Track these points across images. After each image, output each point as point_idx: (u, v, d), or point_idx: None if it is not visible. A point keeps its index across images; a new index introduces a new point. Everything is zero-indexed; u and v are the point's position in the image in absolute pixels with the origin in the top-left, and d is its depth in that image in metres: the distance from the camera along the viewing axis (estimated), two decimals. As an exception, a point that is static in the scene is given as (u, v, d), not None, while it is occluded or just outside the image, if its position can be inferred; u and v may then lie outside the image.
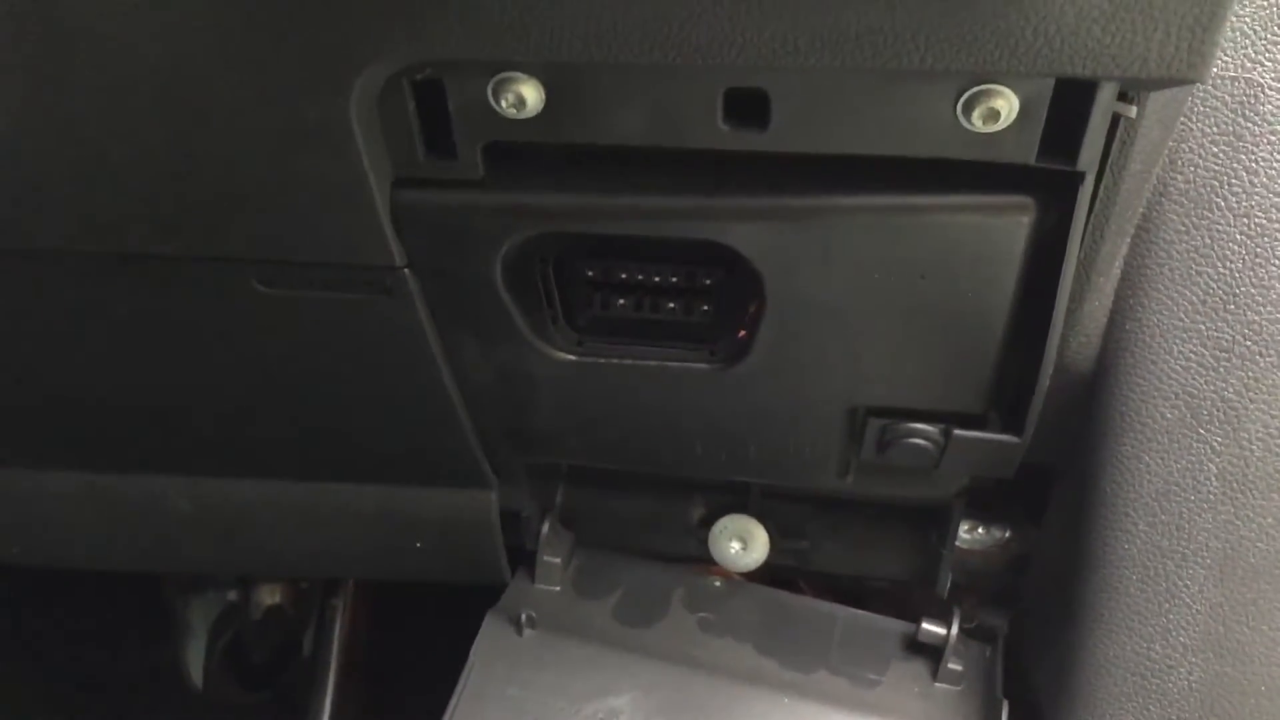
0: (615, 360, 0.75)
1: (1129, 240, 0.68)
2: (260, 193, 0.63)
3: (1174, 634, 0.73)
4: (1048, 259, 0.63)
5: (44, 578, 1.36)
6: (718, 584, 0.97)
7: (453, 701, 0.86)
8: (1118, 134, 0.60)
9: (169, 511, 0.94)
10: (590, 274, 0.73)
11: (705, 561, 0.96)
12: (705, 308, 0.73)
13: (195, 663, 1.49)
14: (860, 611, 0.95)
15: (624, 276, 0.72)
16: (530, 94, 0.58)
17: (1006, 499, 0.90)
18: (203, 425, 0.85)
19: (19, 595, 1.43)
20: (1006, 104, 0.55)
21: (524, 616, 0.90)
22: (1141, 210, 0.67)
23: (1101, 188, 0.63)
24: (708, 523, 0.94)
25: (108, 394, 0.82)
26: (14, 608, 1.45)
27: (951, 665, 0.88)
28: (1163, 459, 0.71)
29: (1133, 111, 0.59)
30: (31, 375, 0.81)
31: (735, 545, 0.93)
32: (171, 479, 0.93)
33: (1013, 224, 0.62)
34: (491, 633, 0.91)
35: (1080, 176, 0.59)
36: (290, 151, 0.60)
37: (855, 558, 0.95)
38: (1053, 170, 0.59)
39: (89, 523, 0.96)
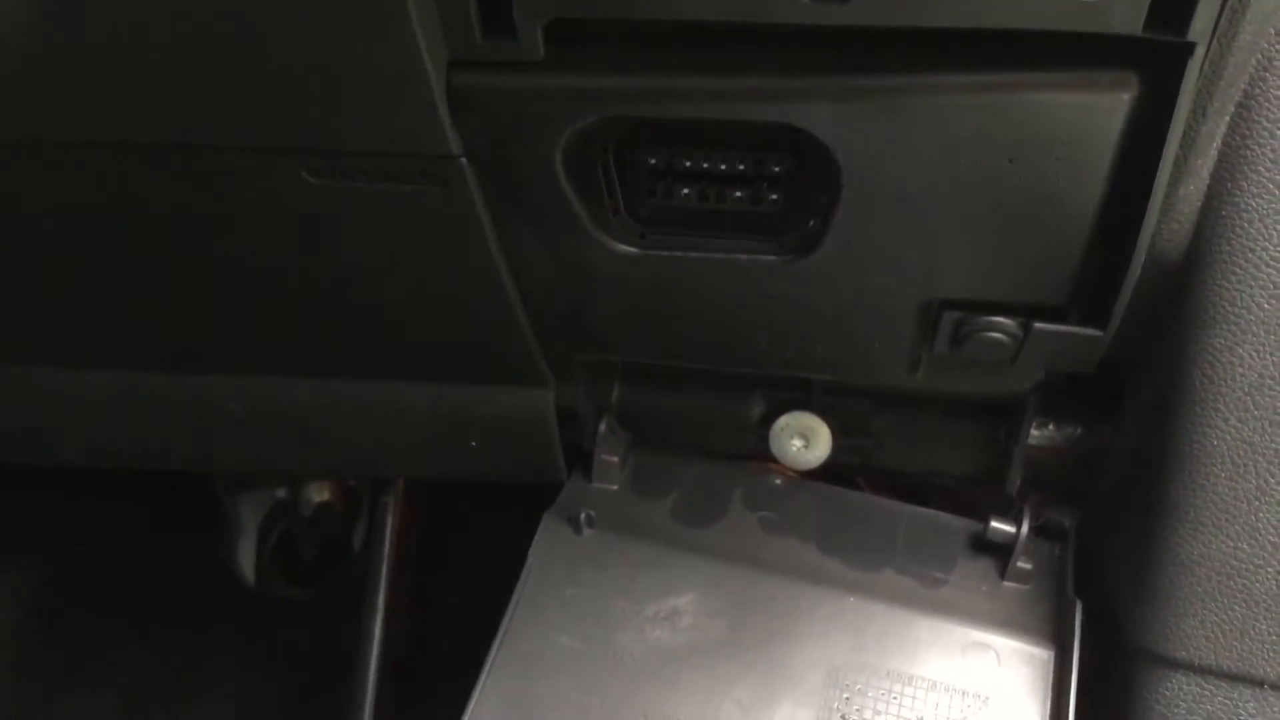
0: (679, 253, 0.72)
1: (1229, 119, 0.64)
2: (309, 77, 0.60)
3: (1263, 533, 0.70)
4: (1146, 140, 0.59)
5: (97, 476, 1.36)
6: (778, 482, 0.95)
7: (513, 602, 0.85)
8: (1229, 1, 0.56)
9: (218, 411, 0.93)
10: (653, 162, 0.69)
11: (765, 459, 0.94)
12: (774, 197, 0.69)
13: (246, 559, 1.50)
14: (925, 509, 0.93)
15: (688, 164, 0.69)
16: (596, -35, 0.54)
17: (1079, 393, 0.87)
18: (251, 322, 0.83)
19: (73, 493, 1.44)
20: (1115, -33, 0.51)
21: (583, 516, 0.88)
22: (1244, 86, 0.63)
23: (1206, 62, 0.59)
24: (768, 420, 0.92)
25: (153, 290, 0.80)
26: (68, 506, 1.46)
27: (1021, 564, 0.86)
28: (1258, 351, 0.67)
29: (1249, -25, 0.54)
30: (75, 271, 0.79)
31: (797, 443, 0.91)
32: (220, 378, 0.91)
33: (1112, 102, 0.58)
34: (550, 533, 0.89)
35: (1190, 48, 0.55)
36: (340, 32, 0.57)
37: (921, 454, 0.92)
38: (1158, 42, 0.55)
39: (137, 423, 0.95)
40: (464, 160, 0.64)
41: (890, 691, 0.79)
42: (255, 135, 0.64)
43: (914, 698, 0.79)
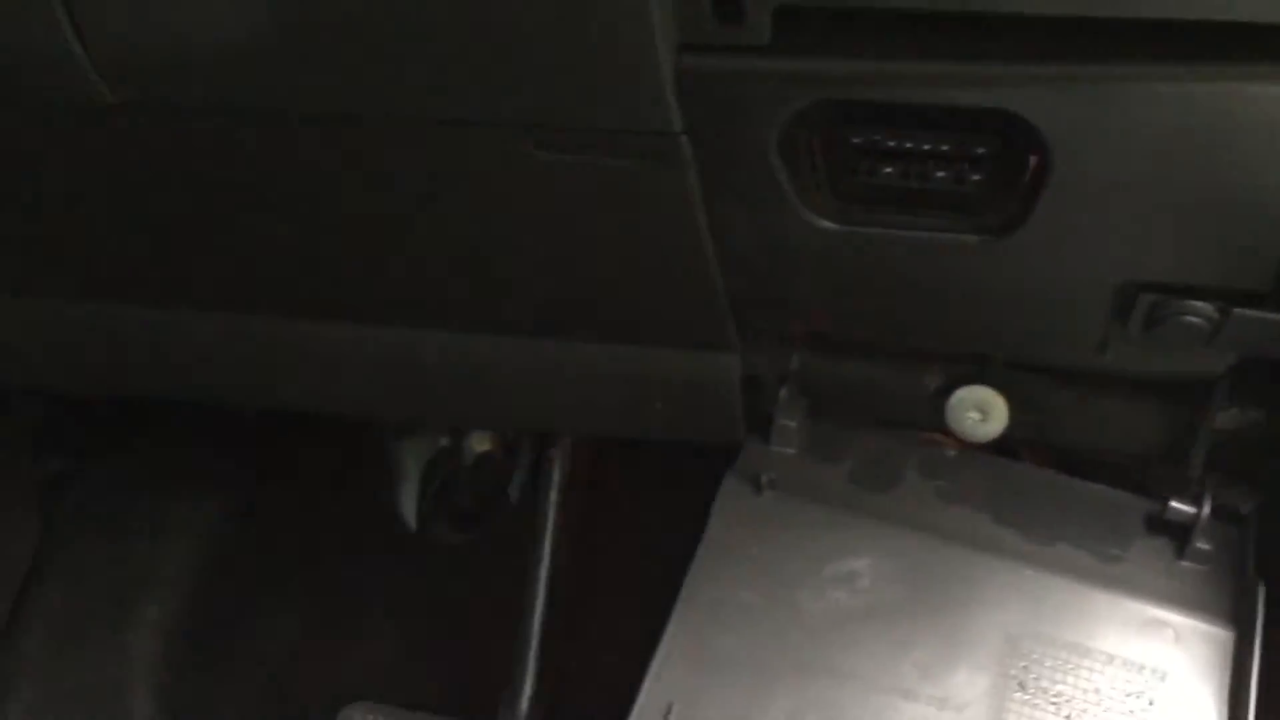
0: (879, 230, 0.74)
1: None
2: (545, 56, 0.63)
3: None
4: None
5: (277, 421, 1.44)
6: (952, 453, 0.97)
7: (697, 556, 0.89)
8: None
9: (417, 362, 0.98)
10: (857, 141, 0.71)
11: (936, 430, 0.96)
12: (976, 177, 0.71)
13: (409, 505, 1.56)
14: (1097, 485, 0.94)
15: (892, 144, 0.71)
16: (827, -50, 0.56)
17: (1265, 376, 0.87)
18: (458, 283, 0.88)
19: (255, 437, 1.52)
20: (1351, -40, 0.51)
21: (764, 478, 0.91)
22: None
23: None
24: (944, 392, 0.93)
25: (373, 250, 0.85)
26: (252, 448, 1.54)
27: (1200, 544, 0.87)
28: None
29: None
30: (299, 237, 0.85)
31: (974, 415, 0.92)
32: (423, 332, 0.96)
33: None
34: (731, 492, 0.93)
35: None
36: (583, 15, 0.60)
37: (1097, 432, 0.93)
38: None
39: (348, 371, 1.01)
40: (684, 138, 0.67)
41: (1068, 662, 0.81)
42: (486, 111, 0.68)
43: (1091, 670, 0.81)
